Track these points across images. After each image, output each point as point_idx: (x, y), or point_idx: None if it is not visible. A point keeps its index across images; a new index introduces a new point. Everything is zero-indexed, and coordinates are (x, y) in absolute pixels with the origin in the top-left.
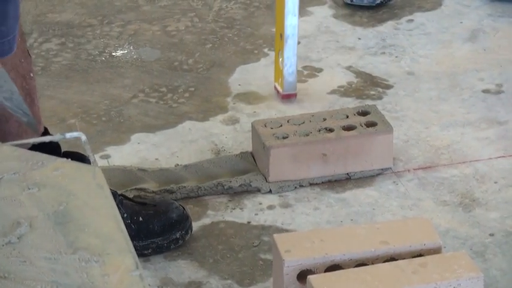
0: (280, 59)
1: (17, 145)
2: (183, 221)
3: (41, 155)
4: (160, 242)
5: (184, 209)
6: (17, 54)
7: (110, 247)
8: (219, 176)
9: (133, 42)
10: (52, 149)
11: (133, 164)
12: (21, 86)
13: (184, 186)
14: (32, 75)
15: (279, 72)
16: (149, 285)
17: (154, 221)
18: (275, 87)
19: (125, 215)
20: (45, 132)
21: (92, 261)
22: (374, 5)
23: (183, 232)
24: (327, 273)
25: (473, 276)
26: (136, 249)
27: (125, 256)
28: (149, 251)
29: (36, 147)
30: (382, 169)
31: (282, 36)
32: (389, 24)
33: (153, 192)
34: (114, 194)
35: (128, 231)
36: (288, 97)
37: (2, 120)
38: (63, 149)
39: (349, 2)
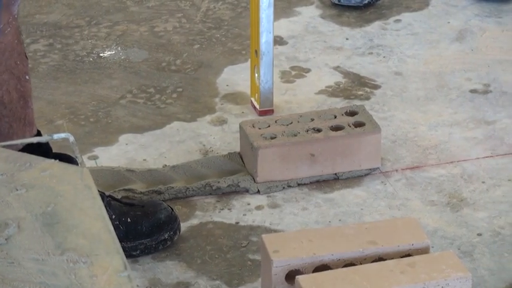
0: (256, 75)
1: (5, 146)
2: (172, 222)
3: (28, 156)
4: (148, 242)
5: (172, 209)
6: (12, 56)
7: (98, 248)
8: (207, 176)
9: (121, 43)
10: (44, 152)
11: (121, 164)
12: (15, 88)
13: (173, 187)
14: (27, 77)
15: (255, 88)
16: (137, 286)
17: (143, 221)
18: (251, 103)
19: (113, 216)
20: (38, 135)
21: (80, 262)
22: (361, 5)
23: (172, 233)
24: (316, 274)
25: (461, 276)
26: (124, 250)
27: (113, 257)
28: (137, 252)
29: (29, 150)
30: (370, 169)
31: (257, 52)
32: (377, 24)
33: (141, 193)
34: (102, 195)
35: (116, 232)
36: (265, 113)
37: None
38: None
39: (336, 2)
